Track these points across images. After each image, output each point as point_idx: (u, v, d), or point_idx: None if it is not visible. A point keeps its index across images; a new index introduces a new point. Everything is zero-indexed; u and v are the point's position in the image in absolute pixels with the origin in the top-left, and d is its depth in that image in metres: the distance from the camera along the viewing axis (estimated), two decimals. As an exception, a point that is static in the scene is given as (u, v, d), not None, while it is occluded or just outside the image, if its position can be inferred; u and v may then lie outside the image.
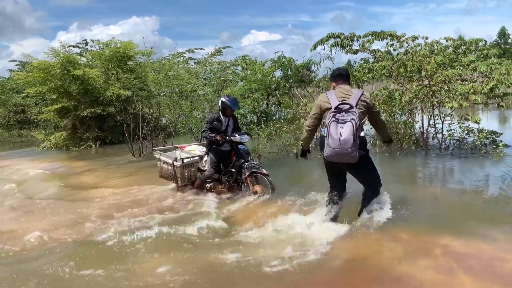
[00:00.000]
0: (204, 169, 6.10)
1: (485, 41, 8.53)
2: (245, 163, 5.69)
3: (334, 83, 4.25)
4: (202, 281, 3.36)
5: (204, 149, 6.50)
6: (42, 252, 4.17)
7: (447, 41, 8.32)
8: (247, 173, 5.63)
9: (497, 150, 7.21)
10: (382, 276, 3.29)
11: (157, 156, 6.69)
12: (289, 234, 4.21)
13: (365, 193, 4.34)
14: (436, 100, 7.77)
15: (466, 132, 7.95)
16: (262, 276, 3.36)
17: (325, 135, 3.90)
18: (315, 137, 4.86)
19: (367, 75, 8.79)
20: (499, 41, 63.05)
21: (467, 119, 7.74)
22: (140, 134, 10.85)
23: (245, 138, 5.88)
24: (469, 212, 4.64)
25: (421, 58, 7.66)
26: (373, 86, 12.50)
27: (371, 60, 9.40)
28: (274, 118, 13.68)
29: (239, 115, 11.24)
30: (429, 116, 8.28)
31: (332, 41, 8.97)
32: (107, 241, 4.30)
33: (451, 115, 8.24)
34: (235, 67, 15.34)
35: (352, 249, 3.80)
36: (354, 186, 4.46)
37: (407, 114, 8.66)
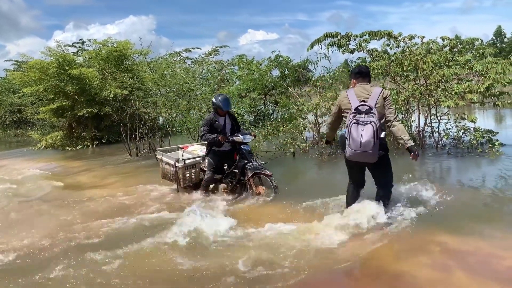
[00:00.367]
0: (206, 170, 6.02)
1: (481, 41, 8.56)
2: (248, 164, 5.57)
3: (354, 81, 4.30)
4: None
5: None
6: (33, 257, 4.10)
7: (443, 40, 8.35)
8: (250, 174, 5.49)
9: (493, 149, 7.24)
10: (379, 274, 3.30)
11: (159, 156, 6.59)
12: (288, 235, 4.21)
13: (378, 193, 4.44)
14: (433, 99, 7.80)
15: (462, 131, 7.97)
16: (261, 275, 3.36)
17: (346, 135, 4.01)
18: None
19: (364, 74, 8.77)
20: (495, 40, 63.32)
21: (463, 118, 7.76)
22: (137, 133, 10.83)
23: (248, 138, 5.71)
24: (466, 210, 4.66)
25: (417, 57, 7.68)
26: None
27: (368, 60, 9.41)
28: (271, 117, 13.70)
29: (236, 115, 11.23)
30: (426, 115, 8.31)
31: (328, 40, 8.99)
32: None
33: (448, 114, 8.26)
34: (232, 67, 15.35)
35: (350, 248, 3.81)
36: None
37: (403, 113, 8.67)
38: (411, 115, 8.82)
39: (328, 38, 8.96)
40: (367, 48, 8.89)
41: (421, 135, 8.32)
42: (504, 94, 7.67)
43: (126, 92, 13.53)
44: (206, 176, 5.90)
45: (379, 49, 8.91)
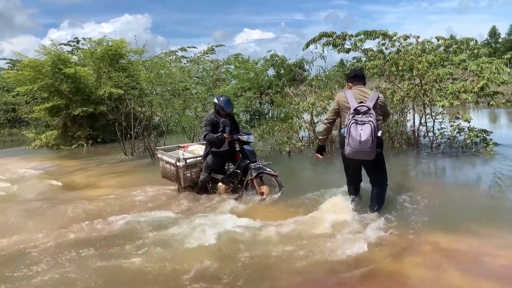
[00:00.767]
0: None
1: (476, 41, 8.60)
2: (252, 164, 5.52)
3: (350, 84, 4.58)
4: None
5: None
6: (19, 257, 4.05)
7: (438, 40, 8.39)
8: (254, 174, 5.45)
9: (487, 148, 7.28)
10: (373, 274, 3.31)
11: (159, 156, 6.48)
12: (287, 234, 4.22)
13: (373, 191, 4.60)
14: (428, 99, 7.83)
15: (457, 130, 8.01)
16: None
17: (345, 134, 4.22)
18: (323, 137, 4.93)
19: (359, 74, 8.80)
20: (490, 40, 63.65)
21: (458, 118, 7.80)
22: (132, 133, 10.80)
23: (251, 138, 5.72)
24: (460, 209, 4.68)
25: (412, 57, 7.71)
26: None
27: (363, 59, 9.44)
28: (267, 116, 13.71)
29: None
30: (421, 114, 8.34)
31: (324, 40, 9.00)
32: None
33: (442, 113, 8.30)
34: (228, 66, 15.33)
35: (342, 248, 3.81)
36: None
37: (398, 112, 8.70)
38: (406, 114, 8.85)
39: (324, 37, 8.98)
40: (362, 48, 8.92)
41: (416, 134, 8.35)
42: (498, 93, 7.72)
43: (121, 91, 13.48)
44: (201, 177, 5.86)
45: (374, 49, 8.95)
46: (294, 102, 9.94)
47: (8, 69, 23.07)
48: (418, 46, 8.26)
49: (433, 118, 8.23)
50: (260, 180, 5.57)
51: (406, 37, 8.32)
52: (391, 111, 8.72)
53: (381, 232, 4.06)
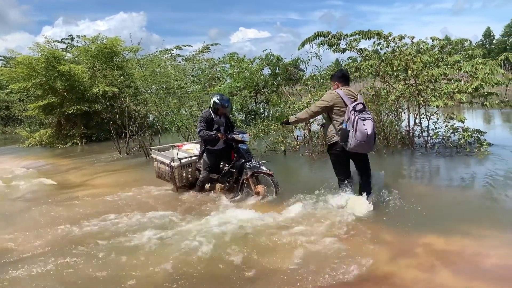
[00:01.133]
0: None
1: (470, 41, 8.65)
2: (247, 163, 5.49)
3: (338, 83, 4.85)
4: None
5: None
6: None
7: (433, 41, 8.42)
8: (249, 173, 5.41)
9: (481, 148, 7.32)
10: (365, 275, 3.31)
11: (153, 156, 6.42)
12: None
13: (363, 179, 4.95)
14: (422, 99, 7.85)
15: (451, 131, 8.06)
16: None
17: (348, 129, 4.52)
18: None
19: (354, 74, 8.84)
20: (484, 42, 63.93)
21: (452, 118, 7.84)
22: (127, 131, 10.75)
23: (247, 137, 5.66)
24: (453, 210, 4.70)
25: (407, 57, 7.73)
26: (360, 85, 12.59)
27: (358, 59, 9.45)
28: (262, 116, 13.70)
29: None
30: (415, 114, 8.37)
31: (319, 39, 8.99)
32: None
33: (437, 114, 8.34)
34: (223, 65, 15.30)
35: (336, 248, 3.82)
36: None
37: (393, 112, 8.73)
38: (401, 114, 8.88)
39: (319, 37, 8.96)
40: (358, 48, 8.92)
41: (411, 134, 8.38)
42: (492, 94, 7.77)
43: (115, 90, 13.40)
44: (201, 176, 5.83)
45: (370, 49, 8.96)
46: (289, 102, 9.94)
47: (1, 67, 22.84)
48: (413, 47, 8.29)
49: (428, 118, 8.27)
50: (256, 179, 5.54)
51: (401, 38, 8.34)
52: (386, 111, 8.78)
53: (373, 232, 4.08)
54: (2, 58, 28.81)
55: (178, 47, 18.95)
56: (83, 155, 11.60)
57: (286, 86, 12.80)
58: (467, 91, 7.29)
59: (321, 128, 5.36)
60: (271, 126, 9.51)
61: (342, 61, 9.94)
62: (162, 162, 6.20)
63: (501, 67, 7.52)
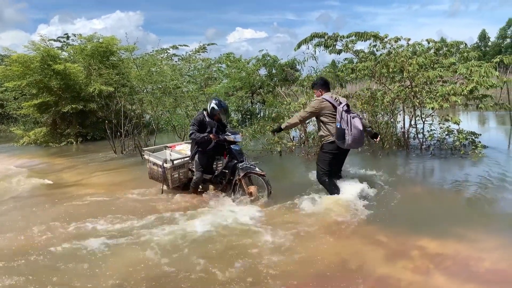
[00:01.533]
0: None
1: (466, 44, 8.70)
2: (239, 164, 5.46)
3: (321, 90, 5.26)
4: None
5: None
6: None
7: (429, 43, 8.45)
8: (242, 174, 5.38)
9: (476, 151, 7.37)
10: (361, 277, 3.32)
11: (146, 157, 6.36)
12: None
13: (335, 179, 5.42)
14: (418, 100, 7.89)
15: (446, 132, 8.10)
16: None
17: (344, 127, 4.91)
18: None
19: (350, 75, 8.86)
20: (479, 44, 64.34)
21: (447, 120, 7.87)
22: (122, 131, 10.71)
23: (239, 137, 5.63)
24: (447, 212, 4.72)
25: (403, 59, 7.76)
26: (356, 86, 12.63)
27: (354, 60, 9.47)
28: (258, 116, 13.68)
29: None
30: (411, 116, 8.40)
31: (316, 40, 9.00)
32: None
33: (432, 115, 8.37)
34: (220, 65, 15.26)
35: (331, 250, 3.83)
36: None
37: (389, 114, 8.76)
38: (396, 116, 8.91)
39: (315, 38, 8.98)
40: (354, 49, 8.94)
41: (406, 136, 8.42)
42: (487, 97, 7.80)
43: (111, 89, 13.33)
44: (195, 177, 5.79)
45: (366, 51, 8.97)
46: (285, 102, 9.94)
47: (-4, 64, 22.69)
48: (409, 48, 8.32)
49: (423, 120, 8.31)
50: (249, 179, 5.52)
51: (397, 39, 8.37)
52: (381, 113, 8.81)
53: (368, 234, 4.09)
54: (-3, 56, 28.62)
55: (174, 47, 18.88)
56: (78, 154, 11.53)
57: (282, 86, 12.79)
58: (462, 93, 7.32)
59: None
60: (267, 126, 9.51)
61: (338, 63, 9.96)
62: (154, 163, 6.15)
63: (496, 70, 7.55)
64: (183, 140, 9.75)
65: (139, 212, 5.18)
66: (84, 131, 14.29)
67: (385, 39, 8.45)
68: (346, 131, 4.92)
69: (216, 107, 5.60)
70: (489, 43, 64.32)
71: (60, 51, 16.45)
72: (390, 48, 8.43)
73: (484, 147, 7.67)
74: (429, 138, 8.20)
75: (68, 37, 20.45)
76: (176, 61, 16.88)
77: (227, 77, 13.31)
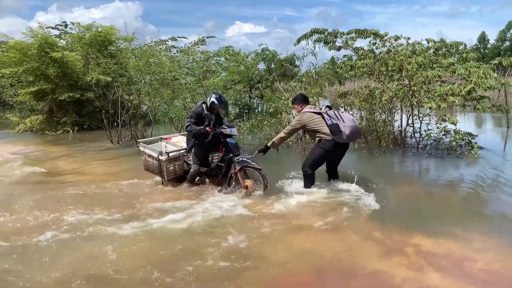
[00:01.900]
0: (191, 163, 5.86)
1: (465, 45, 8.70)
2: (235, 157, 5.46)
3: (301, 105, 5.53)
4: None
5: None
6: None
7: (428, 42, 8.45)
8: (238, 167, 5.39)
9: (472, 151, 7.40)
10: (355, 272, 3.34)
11: (141, 149, 6.33)
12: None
13: (336, 176, 5.63)
14: (416, 100, 7.90)
15: (443, 132, 8.12)
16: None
17: (335, 122, 5.07)
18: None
19: (349, 72, 8.86)
20: (478, 46, 64.41)
21: (444, 120, 7.89)
22: (119, 121, 10.66)
23: (235, 131, 5.63)
24: (442, 211, 4.74)
25: (402, 57, 7.76)
26: (355, 84, 12.63)
27: (354, 58, 9.45)
28: (256, 111, 13.66)
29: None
30: (408, 115, 8.42)
31: (315, 36, 8.98)
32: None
33: (430, 115, 8.39)
34: (219, 58, 15.19)
35: (327, 246, 3.84)
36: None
37: (386, 112, 8.77)
38: (394, 114, 8.93)
39: (315, 34, 8.96)
40: (353, 46, 8.93)
41: (403, 135, 8.43)
42: (484, 98, 7.83)
43: (109, 79, 13.26)
44: (192, 170, 5.77)
45: (366, 48, 8.97)
46: (283, 98, 9.93)
47: (-7, 50, 22.46)
48: (409, 48, 8.32)
49: (420, 119, 8.33)
50: (244, 173, 5.52)
51: (397, 38, 8.36)
52: (379, 111, 8.82)
53: (363, 230, 4.11)
54: (-6, 42, 28.33)
55: (173, 39, 18.74)
56: (74, 143, 11.48)
57: (280, 82, 12.77)
58: (460, 94, 7.34)
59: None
60: (264, 121, 9.50)
61: (338, 59, 9.95)
62: (150, 155, 6.12)
63: (494, 72, 7.57)
64: (180, 132, 9.74)
65: (119, 205, 5.14)
66: (80, 120, 14.23)
67: (385, 37, 8.45)
68: (339, 124, 5.07)
69: (215, 101, 5.59)
70: (488, 46, 64.42)
71: (58, 39, 16.32)
72: (390, 46, 8.42)
73: (480, 148, 7.70)
74: (426, 137, 8.22)
75: (66, 25, 20.24)
76: (174, 53, 16.79)
77: (226, 71, 13.26)
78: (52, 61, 13.36)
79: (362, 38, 8.63)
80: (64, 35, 18.89)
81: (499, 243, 3.78)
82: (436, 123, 8.24)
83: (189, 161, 5.98)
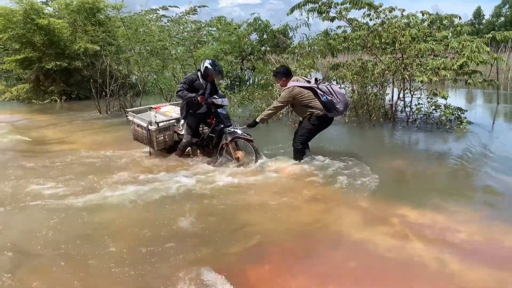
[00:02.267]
0: (182, 133, 5.76)
1: (460, 17, 8.57)
2: (227, 128, 5.38)
3: (284, 79, 5.29)
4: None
5: None
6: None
7: (423, 15, 8.31)
8: (229, 138, 5.32)
9: (461, 126, 7.43)
10: (341, 241, 3.37)
11: (130, 118, 6.19)
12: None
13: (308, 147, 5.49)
14: (408, 73, 7.84)
15: (433, 107, 8.12)
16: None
17: (330, 98, 5.01)
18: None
19: (342, 44, 8.73)
20: (474, 21, 63.93)
21: (435, 94, 7.87)
22: (108, 90, 10.48)
23: (226, 101, 5.53)
24: (429, 184, 4.79)
25: (396, 30, 7.64)
26: (348, 57, 12.48)
27: (348, 30, 9.27)
28: (248, 83, 13.50)
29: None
30: (400, 89, 8.38)
31: (309, 5, 8.77)
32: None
33: (421, 89, 8.36)
34: (210, 28, 14.86)
35: (313, 214, 3.86)
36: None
37: (378, 86, 8.72)
38: (386, 88, 8.88)
39: (309, 3, 8.74)
40: (347, 17, 8.75)
41: (394, 108, 8.41)
42: (476, 72, 7.78)
43: (97, 47, 12.93)
44: (184, 140, 5.66)
45: (360, 19, 8.79)
46: (273, 71, 9.79)
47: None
48: (403, 20, 8.18)
49: (412, 93, 8.30)
50: (236, 145, 5.46)
51: (392, 9, 8.20)
52: (371, 84, 8.76)
53: (349, 201, 4.13)
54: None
55: (164, 8, 18.24)
56: (61, 112, 11.30)
57: (273, 53, 12.58)
58: (452, 68, 7.29)
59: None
60: (255, 93, 9.40)
61: (331, 31, 9.75)
62: (139, 125, 6.00)
63: (487, 46, 7.50)
64: (169, 102, 9.61)
65: (86, 175, 5.02)
66: (68, 89, 13.97)
67: (379, 9, 8.27)
68: (334, 101, 5.02)
69: (209, 66, 5.42)
70: (484, 21, 63.97)
71: (45, 6, 15.78)
72: (384, 18, 8.27)
73: (469, 123, 7.73)
74: (416, 111, 8.22)
75: (53, -9, 19.57)
76: (165, 23, 16.38)
77: (217, 41, 13.00)
78: (38, 28, 12.97)
79: (357, 9, 8.43)
80: (50, 1, 18.29)
81: (482, 215, 3.83)
82: (427, 98, 8.22)
83: (179, 131, 5.87)
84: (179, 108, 5.97)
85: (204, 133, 5.82)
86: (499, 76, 12.92)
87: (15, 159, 6.00)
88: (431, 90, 8.07)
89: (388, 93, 8.83)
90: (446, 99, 7.70)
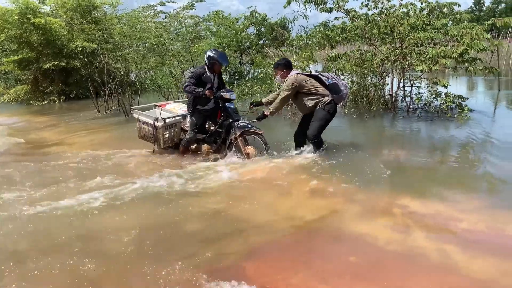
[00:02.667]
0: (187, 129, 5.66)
1: (459, 5, 8.45)
2: (235, 123, 5.27)
3: (285, 71, 5.27)
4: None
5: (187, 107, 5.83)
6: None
7: (422, 3, 8.20)
8: (238, 133, 5.20)
9: (462, 114, 7.36)
10: (340, 234, 3.33)
11: (135, 116, 6.06)
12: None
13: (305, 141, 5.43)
14: (407, 62, 7.76)
15: (434, 96, 8.04)
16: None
17: (334, 81, 5.20)
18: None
19: (341, 36, 8.65)
20: (474, 8, 63.41)
21: (435, 83, 7.80)
22: (106, 89, 10.43)
23: (234, 95, 5.43)
24: (431, 174, 4.74)
25: (394, 19, 7.54)
26: (347, 48, 12.38)
27: (346, 20, 9.16)
28: (247, 77, 13.42)
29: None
30: (399, 79, 8.31)
31: (306, -4, 8.66)
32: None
33: (421, 78, 8.27)
34: (208, 23, 14.74)
35: (313, 208, 3.82)
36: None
37: (378, 76, 8.64)
38: (385, 78, 8.81)
39: (306, -6, 8.64)
40: (345, 8, 8.64)
41: (394, 98, 8.35)
42: (476, 60, 7.69)
43: (94, 45, 12.86)
44: (187, 136, 5.56)
45: (357, 10, 8.69)
46: (274, 63, 9.71)
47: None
48: (401, 8, 8.08)
49: (411, 83, 8.22)
50: (244, 140, 5.34)
51: (390, -2, 8.09)
52: (370, 75, 8.68)
53: (350, 193, 4.09)
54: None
55: (162, 3, 18.13)
56: (60, 113, 11.27)
57: (271, 46, 12.48)
58: (452, 56, 7.20)
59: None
60: (254, 87, 9.35)
61: (329, 22, 9.64)
62: (144, 122, 5.88)
63: (488, 33, 7.40)
64: (168, 100, 9.57)
65: (82, 175, 4.89)
66: (67, 89, 13.91)
67: (377, -2, 8.16)
68: (338, 83, 5.20)
69: (212, 54, 5.33)
70: (484, 8, 63.43)
71: (41, 5, 15.70)
72: (382, 7, 8.16)
73: (471, 110, 7.66)
74: (417, 101, 8.14)
75: (48, -10, 19.47)
76: (163, 19, 16.28)
77: (214, 35, 12.90)
78: (35, 28, 12.89)
79: (354, -1, 8.35)
80: (46, 0, 18.20)
81: (484, 204, 3.78)
82: (427, 87, 8.13)
83: (186, 127, 5.76)
84: (184, 105, 5.89)
85: (211, 129, 5.69)
86: (500, 62, 12.80)
87: (14, 161, 5.95)
88: (431, 79, 7.99)
89: (388, 83, 8.76)
90: (446, 87, 7.62)
